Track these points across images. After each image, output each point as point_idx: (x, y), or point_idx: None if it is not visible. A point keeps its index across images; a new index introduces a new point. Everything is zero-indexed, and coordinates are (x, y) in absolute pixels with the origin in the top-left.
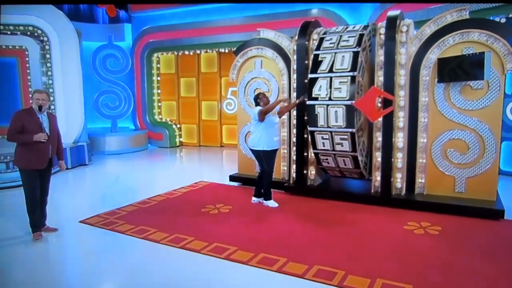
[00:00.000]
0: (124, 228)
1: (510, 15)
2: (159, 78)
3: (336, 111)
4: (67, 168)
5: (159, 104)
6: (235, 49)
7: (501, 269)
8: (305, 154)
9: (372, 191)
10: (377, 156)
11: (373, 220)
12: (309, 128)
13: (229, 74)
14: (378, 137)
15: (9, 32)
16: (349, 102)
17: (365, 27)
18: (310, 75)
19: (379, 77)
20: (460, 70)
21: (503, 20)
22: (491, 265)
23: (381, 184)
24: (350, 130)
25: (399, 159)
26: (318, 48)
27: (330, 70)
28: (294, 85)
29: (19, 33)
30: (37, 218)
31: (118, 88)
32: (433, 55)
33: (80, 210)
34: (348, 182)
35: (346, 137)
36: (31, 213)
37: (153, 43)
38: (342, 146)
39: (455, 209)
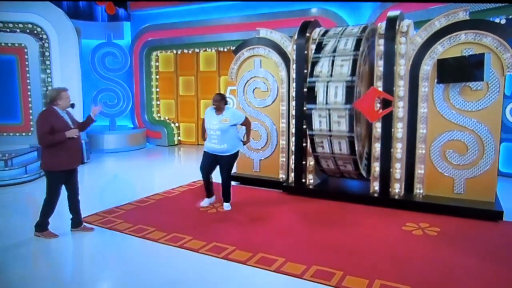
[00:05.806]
0: (122, 227)
1: (511, 16)
2: (157, 77)
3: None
4: None
5: (158, 102)
6: (234, 48)
7: (499, 271)
8: (304, 162)
9: (371, 191)
10: (376, 156)
11: (372, 221)
12: (308, 132)
13: (229, 71)
14: (377, 131)
15: (8, 30)
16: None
17: (364, 29)
18: (309, 79)
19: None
20: (459, 71)
21: (503, 21)
22: (490, 267)
23: (379, 184)
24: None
25: (398, 151)
26: (317, 50)
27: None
28: (293, 85)
29: (18, 30)
30: (47, 219)
31: (117, 86)
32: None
33: None
34: (346, 182)
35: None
36: (47, 214)
37: (152, 41)
38: (341, 150)
39: (454, 210)
